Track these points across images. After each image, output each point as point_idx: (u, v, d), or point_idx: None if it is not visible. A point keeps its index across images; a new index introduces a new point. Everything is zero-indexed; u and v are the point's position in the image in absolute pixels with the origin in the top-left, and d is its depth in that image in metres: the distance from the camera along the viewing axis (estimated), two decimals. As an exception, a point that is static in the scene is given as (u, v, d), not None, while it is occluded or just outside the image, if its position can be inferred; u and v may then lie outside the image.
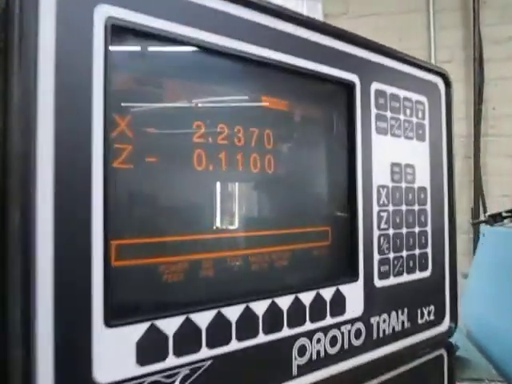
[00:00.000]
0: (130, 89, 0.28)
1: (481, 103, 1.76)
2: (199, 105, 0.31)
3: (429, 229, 0.47)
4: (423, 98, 0.47)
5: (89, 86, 0.25)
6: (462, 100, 1.72)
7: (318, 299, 0.36)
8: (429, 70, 0.48)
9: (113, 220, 0.26)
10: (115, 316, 0.25)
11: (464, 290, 0.87)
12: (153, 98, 0.29)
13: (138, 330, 0.26)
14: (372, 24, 1.70)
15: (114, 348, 0.25)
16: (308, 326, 0.35)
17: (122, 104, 0.28)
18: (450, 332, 0.50)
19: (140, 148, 0.28)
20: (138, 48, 0.28)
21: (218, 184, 0.32)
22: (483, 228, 0.85)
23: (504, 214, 0.72)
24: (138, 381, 0.26)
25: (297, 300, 0.35)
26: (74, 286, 0.24)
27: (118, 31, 0.26)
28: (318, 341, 0.36)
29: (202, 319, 0.29)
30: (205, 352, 0.29)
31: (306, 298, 0.35)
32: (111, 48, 0.26)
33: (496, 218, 0.71)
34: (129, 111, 0.28)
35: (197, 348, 0.29)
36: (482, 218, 1.68)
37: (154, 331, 0.27)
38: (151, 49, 0.29)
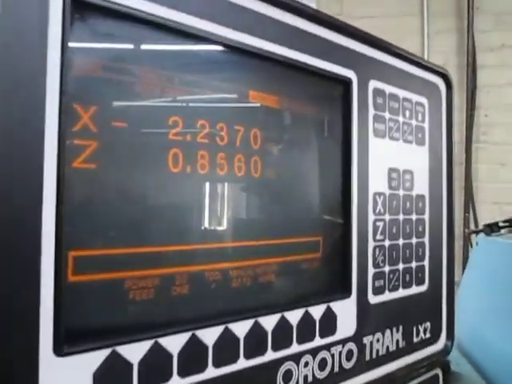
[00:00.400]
0: (96, 76, 0.24)
1: (473, 109, 1.74)
2: (177, 97, 0.28)
3: (426, 240, 0.44)
4: (423, 100, 0.44)
5: (42, 71, 0.21)
6: (455, 106, 1.70)
7: (307, 318, 0.32)
8: (430, 70, 0.45)
9: (71, 228, 0.22)
10: (68, 342, 0.22)
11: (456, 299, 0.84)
12: (123, 87, 0.25)
13: (96, 358, 0.22)
14: (366, 26, 1.66)
15: (65, 381, 0.21)
16: (295, 348, 0.32)
17: (85, 93, 0.24)
18: (446, 351, 0.47)
19: (106, 145, 0.24)
20: (105, 28, 0.24)
21: (196, 188, 0.28)
22: (477, 237, 0.82)
23: (501, 224, 0.69)
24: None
25: (283, 319, 0.31)
26: (16, 306, 0.20)
27: (80, 7, 0.23)
28: (306, 364, 0.32)
29: (173, 344, 0.25)
30: (176, 381, 0.25)
31: (294, 316, 0.32)
32: (71, 27, 0.22)
33: (493, 228, 0.68)
34: (93, 102, 0.24)
35: (167, 377, 0.25)
36: (472, 225, 1.66)
37: (115, 359, 0.23)
38: (121, 30, 0.25)
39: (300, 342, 0.32)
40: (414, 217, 0.42)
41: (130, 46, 0.26)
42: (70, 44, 0.22)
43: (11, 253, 0.20)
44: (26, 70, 0.21)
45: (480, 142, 1.77)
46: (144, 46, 0.26)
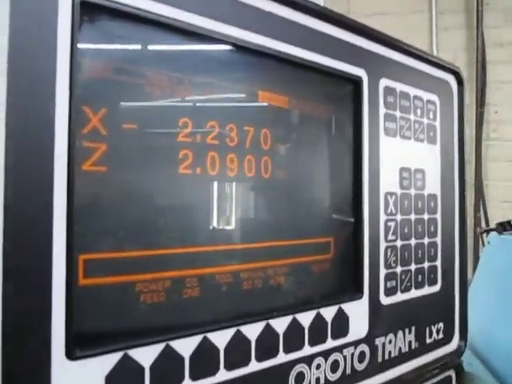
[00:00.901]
0: (105, 78, 0.24)
1: (483, 106, 1.73)
2: (186, 99, 0.27)
3: (439, 240, 0.44)
4: (435, 97, 0.43)
5: (51, 73, 0.21)
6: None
7: (319, 320, 0.32)
8: (440, 67, 0.44)
9: (81, 231, 0.22)
10: (80, 346, 0.21)
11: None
12: (132, 89, 0.25)
13: (108, 361, 0.22)
14: (374, 24, 1.65)
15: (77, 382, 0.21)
16: (307, 350, 0.31)
17: (95, 95, 0.24)
18: (459, 352, 0.46)
19: (115, 148, 0.24)
20: (114, 30, 0.24)
21: (207, 190, 0.28)
22: (489, 236, 0.81)
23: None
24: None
25: (294, 321, 0.31)
26: (27, 310, 0.20)
27: (89, 9, 0.22)
28: (318, 367, 0.32)
29: (185, 347, 0.25)
30: (188, 385, 0.25)
31: (305, 318, 0.31)
32: (80, 29, 0.22)
33: (505, 226, 0.67)
34: (103, 104, 0.24)
35: (179, 380, 0.25)
36: (483, 224, 1.64)
37: (127, 363, 0.23)
38: (130, 32, 0.25)
39: (312, 344, 0.32)
40: (425, 216, 0.42)
41: (139, 48, 0.26)
42: (79, 46, 0.22)
43: (23, 257, 0.20)
44: (35, 73, 0.20)
45: (490, 140, 1.75)
46: (153, 47, 0.26)
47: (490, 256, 0.86)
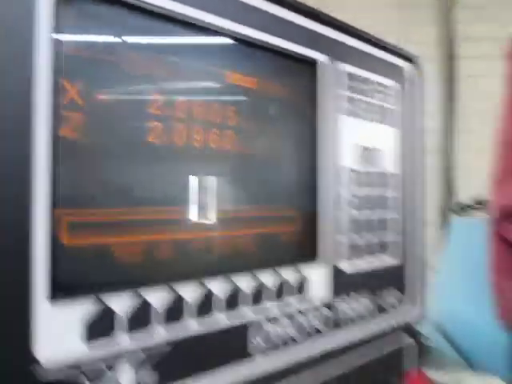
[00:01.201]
0: (82, 53, 0.27)
1: (453, 99, 1.79)
2: (157, 75, 0.30)
3: (398, 215, 0.47)
4: (391, 82, 0.47)
5: (31, 50, 0.23)
6: (434, 96, 1.74)
7: (282, 282, 0.35)
8: (399, 54, 0.48)
9: (63, 194, 0.25)
10: (60, 290, 0.24)
11: (434, 281, 0.87)
12: (107, 65, 0.28)
13: (86, 305, 0.25)
14: (345, 18, 1.69)
15: (57, 324, 0.24)
16: (270, 309, 0.34)
17: (72, 69, 0.26)
18: (418, 319, 0.50)
19: (91, 117, 0.27)
20: (92, 8, 0.27)
21: (176, 160, 0.31)
22: (452, 219, 0.86)
23: (472, 205, 0.72)
24: (84, 359, 0.25)
25: (257, 280, 0.33)
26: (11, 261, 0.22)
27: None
28: (280, 325, 0.35)
29: (153, 296, 0.28)
30: (158, 333, 0.28)
31: (269, 279, 0.34)
32: (60, 5, 0.24)
33: (463, 207, 0.72)
34: (80, 78, 0.26)
35: (149, 328, 0.27)
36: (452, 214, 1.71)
37: (102, 308, 0.25)
38: (108, 10, 0.27)
39: (274, 303, 0.34)
40: (386, 193, 0.45)
41: (117, 26, 0.28)
42: (58, 24, 0.24)
43: (11, 215, 0.22)
44: (15, 51, 0.23)
45: (459, 132, 1.82)
46: (130, 26, 0.28)
47: (453, 239, 0.91)
